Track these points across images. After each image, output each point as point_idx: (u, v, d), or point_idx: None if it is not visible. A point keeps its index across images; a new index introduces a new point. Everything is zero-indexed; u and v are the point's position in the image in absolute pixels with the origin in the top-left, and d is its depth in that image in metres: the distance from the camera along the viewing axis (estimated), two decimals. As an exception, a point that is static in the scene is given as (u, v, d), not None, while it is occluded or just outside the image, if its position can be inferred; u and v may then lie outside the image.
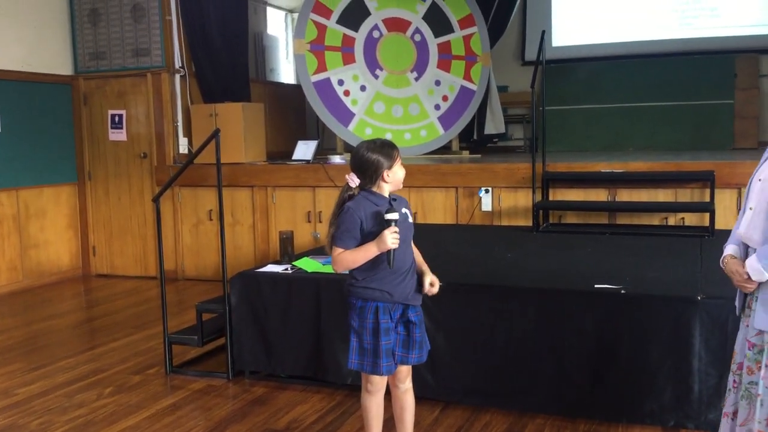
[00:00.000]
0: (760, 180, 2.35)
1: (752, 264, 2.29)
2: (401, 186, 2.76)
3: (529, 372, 3.49)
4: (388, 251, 2.61)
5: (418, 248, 2.89)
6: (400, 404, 2.88)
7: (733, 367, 2.46)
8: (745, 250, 2.40)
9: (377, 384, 2.80)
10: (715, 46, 8.35)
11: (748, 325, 2.38)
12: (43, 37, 7.08)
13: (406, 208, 2.80)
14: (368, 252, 2.63)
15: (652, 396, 3.27)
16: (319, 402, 3.77)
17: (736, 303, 2.46)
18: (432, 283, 2.81)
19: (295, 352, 3.97)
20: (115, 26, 7.17)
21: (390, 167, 2.69)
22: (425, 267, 2.86)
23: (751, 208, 2.35)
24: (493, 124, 8.35)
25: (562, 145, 8.34)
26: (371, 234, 2.64)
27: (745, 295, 2.40)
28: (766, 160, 2.40)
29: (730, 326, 3.10)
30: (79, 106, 7.37)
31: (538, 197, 5.73)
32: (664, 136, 8.23)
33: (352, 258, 2.66)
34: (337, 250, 2.68)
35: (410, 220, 2.80)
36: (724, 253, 2.45)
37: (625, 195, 5.65)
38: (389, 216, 2.61)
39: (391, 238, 2.58)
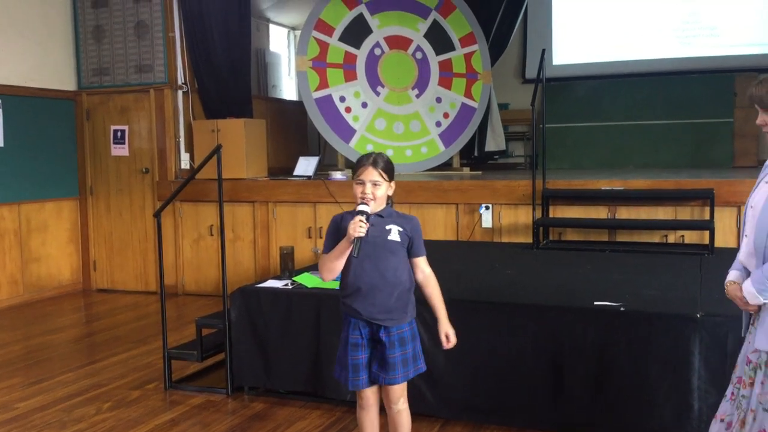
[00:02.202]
0: (751, 207, 2.43)
1: (747, 288, 2.39)
2: (359, 201, 2.67)
3: (528, 389, 3.49)
4: (354, 240, 2.58)
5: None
6: (393, 424, 2.88)
7: (734, 378, 2.54)
8: (747, 275, 2.47)
9: (365, 399, 2.81)
10: (715, 65, 8.41)
11: (750, 342, 2.46)
12: (47, 53, 7.13)
13: (398, 227, 2.73)
14: (340, 246, 2.66)
15: (652, 413, 3.26)
16: (318, 418, 3.77)
17: (743, 321, 2.55)
18: (447, 337, 2.80)
19: (294, 368, 3.96)
20: (119, 42, 7.23)
21: (354, 181, 2.74)
22: (441, 313, 2.82)
23: (746, 236, 2.44)
24: (494, 142, 8.38)
25: (562, 163, 8.37)
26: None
27: (750, 314, 2.49)
28: (758, 185, 2.48)
29: (729, 344, 3.11)
30: (82, 121, 7.41)
31: (539, 214, 5.75)
32: (664, 154, 8.26)
33: (328, 257, 2.70)
34: (321, 257, 2.74)
35: (395, 239, 2.72)
36: (727, 279, 2.53)
37: (625, 212, 5.66)
38: (359, 208, 2.64)
39: (353, 225, 2.58)
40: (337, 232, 2.73)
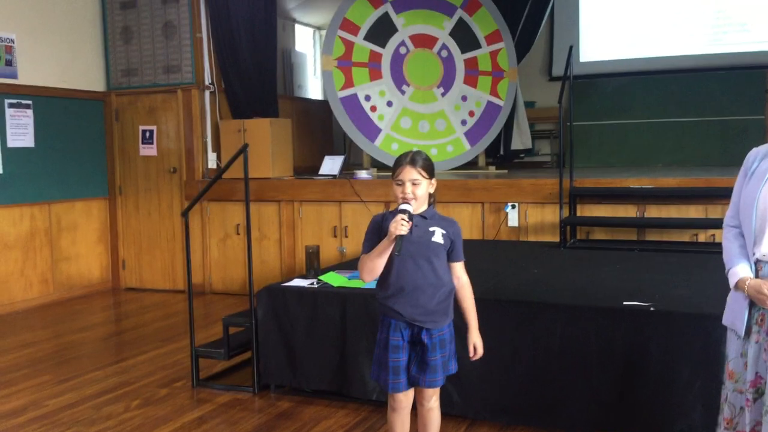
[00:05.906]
0: None
1: None
2: (401, 202, 2.64)
3: (556, 389, 3.46)
4: (396, 238, 2.54)
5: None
6: (423, 422, 2.87)
7: (737, 385, 2.50)
8: (755, 271, 2.45)
9: (398, 401, 2.78)
10: (746, 61, 8.25)
11: (758, 341, 2.42)
12: (77, 55, 7.22)
13: (441, 229, 2.71)
14: (381, 245, 2.62)
15: (682, 414, 3.22)
16: (344, 417, 3.77)
17: (735, 323, 2.47)
18: (475, 348, 2.81)
19: (320, 367, 3.97)
20: (147, 43, 7.30)
21: (393, 181, 2.71)
22: (472, 322, 2.81)
23: None
24: (520, 140, 8.31)
25: (589, 161, 8.28)
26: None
27: (749, 312, 2.43)
28: None
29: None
30: (111, 121, 7.50)
31: (566, 213, 5.69)
32: (693, 152, 8.13)
33: (369, 257, 2.66)
34: (361, 258, 2.70)
35: (438, 241, 2.70)
36: (739, 276, 2.45)
37: (654, 211, 5.58)
38: (401, 207, 2.60)
39: (395, 224, 2.54)
40: (378, 231, 2.69)
